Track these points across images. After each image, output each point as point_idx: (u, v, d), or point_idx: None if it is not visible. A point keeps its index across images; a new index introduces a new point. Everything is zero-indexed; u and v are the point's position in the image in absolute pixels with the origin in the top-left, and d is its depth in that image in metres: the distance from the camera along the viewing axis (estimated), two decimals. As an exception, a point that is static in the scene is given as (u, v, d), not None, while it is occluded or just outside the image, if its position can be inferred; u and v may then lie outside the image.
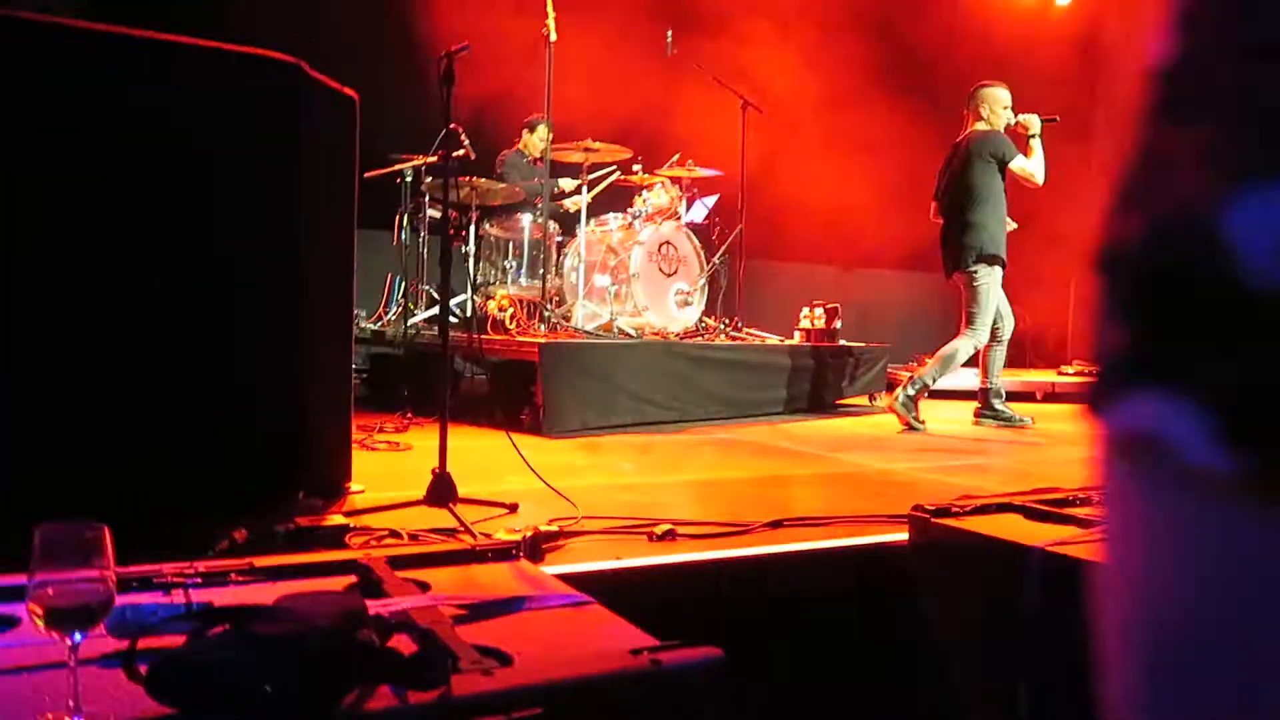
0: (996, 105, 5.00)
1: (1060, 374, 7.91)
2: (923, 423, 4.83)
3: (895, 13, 8.52)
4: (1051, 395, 7.13)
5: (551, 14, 4.81)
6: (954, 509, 2.15)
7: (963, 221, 4.91)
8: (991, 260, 4.89)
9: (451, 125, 4.03)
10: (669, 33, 5.65)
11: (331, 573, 1.53)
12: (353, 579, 1.51)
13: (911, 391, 4.89)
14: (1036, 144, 4.90)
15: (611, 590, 1.85)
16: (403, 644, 1.18)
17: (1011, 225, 5.09)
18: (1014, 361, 9.33)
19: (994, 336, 5.05)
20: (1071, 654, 1.76)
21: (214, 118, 2.29)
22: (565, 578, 1.81)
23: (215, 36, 2.27)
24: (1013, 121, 4.96)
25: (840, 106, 7.87)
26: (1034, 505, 2.17)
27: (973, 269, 4.87)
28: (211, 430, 2.29)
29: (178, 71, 2.25)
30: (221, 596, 1.39)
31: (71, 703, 0.96)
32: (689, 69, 5.96)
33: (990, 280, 4.90)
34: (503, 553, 1.70)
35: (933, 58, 8.89)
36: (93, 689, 1.02)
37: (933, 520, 2.11)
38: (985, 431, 5.06)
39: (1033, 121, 4.89)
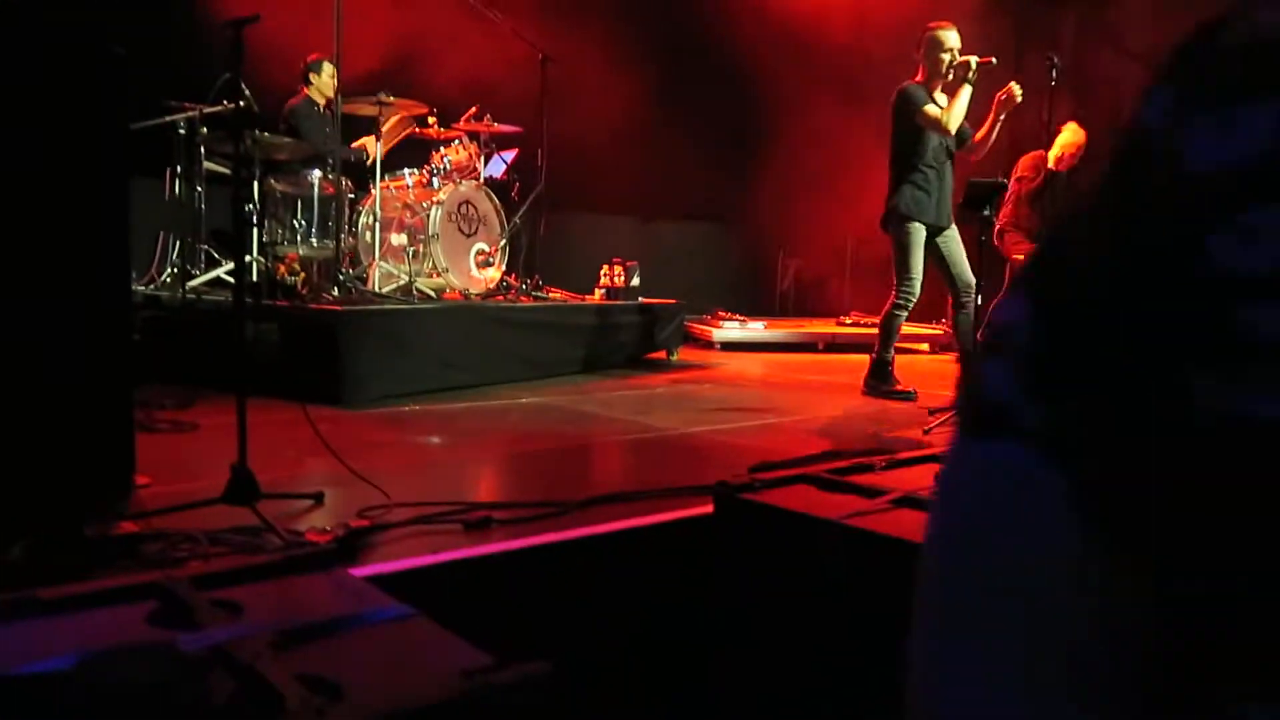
0: (934, 50, 4.60)
1: (840, 324, 8.44)
2: (908, 390, 4.66)
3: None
4: (832, 345, 7.62)
5: (340, -42, 4.53)
6: (755, 482, 2.29)
7: (891, 179, 4.69)
8: (903, 219, 4.62)
9: (228, 75, 3.77)
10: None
11: (130, 599, 1.43)
12: (154, 604, 1.43)
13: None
14: (964, 91, 4.50)
15: (432, 590, 1.85)
16: (220, 683, 1.14)
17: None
18: (797, 311, 9.91)
19: (902, 302, 4.70)
20: (867, 623, 1.93)
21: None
22: (384, 579, 1.79)
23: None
24: (949, 70, 4.56)
25: (638, 60, 7.94)
26: (826, 476, 2.34)
27: (891, 230, 4.67)
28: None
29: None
30: (3, 640, 1.28)
31: None
32: (486, 20, 5.81)
33: (907, 240, 4.61)
34: (317, 560, 1.65)
35: (729, 9, 9.10)
36: None
37: (736, 496, 2.24)
38: (765, 381, 5.34)
39: (968, 64, 4.49)
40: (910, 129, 4.59)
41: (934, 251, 4.69)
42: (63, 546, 1.86)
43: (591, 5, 7.70)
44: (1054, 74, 4.68)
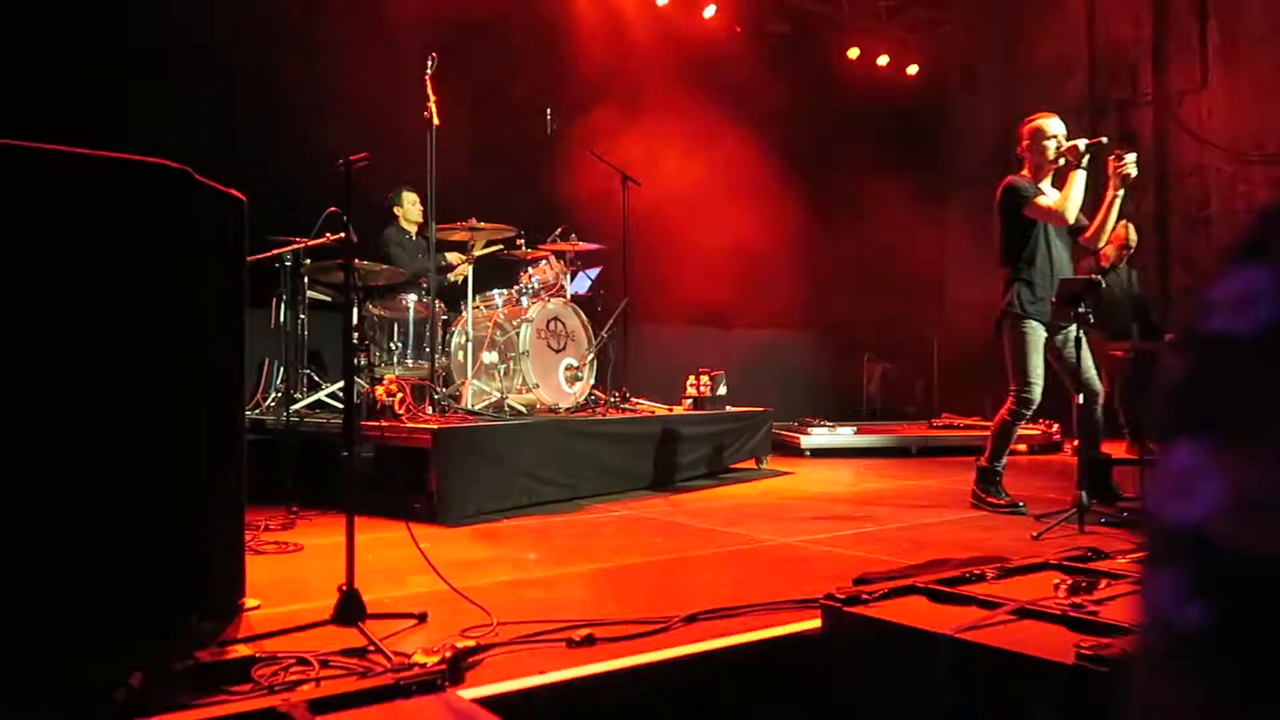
0: (1038, 139, 4.42)
1: (931, 428, 8.26)
2: (1016, 501, 4.36)
3: (762, 76, 8.91)
4: (925, 449, 7.44)
5: (432, 98, 4.81)
6: (864, 595, 2.22)
7: (1004, 277, 4.45)
8: (1019, 318, 4.34)
9: (333, 209, 3.98)
10: (549, 111, 5.73)
11: (249, 725, 1.45)
12: (273, 730, 1.44)
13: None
14: (1077, 176, 4.23)
15: (540, 709, 1.82)
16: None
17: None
18: (885, 415, 9.75)
19: (1023, 405, 4.34)
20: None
21: (99, 222, 2.20)
22: (491, 701, 1.77)
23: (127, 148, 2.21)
24: (1059, 156, 4.35)
25: (713, 173, 8.15)
26: (937, 587, 2.26)
27: (1007, 330, 4.39)
28: (85, 555, 2.14)
29: (64, 178, 2.15)
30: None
31: None
32: (568, 146, 6.07)
33: (1023, 341, 4.32)
34: (427, 683, 1.65)
35: (801, 118, 9.33)
36: None
37: (844, 609, 2.17)
38: (859, 488, 5.20)
39: (1077, 148, 4.27)
40: (1019, 223, 4.37)
41: (1052, 351, 4.39)
42: (180, 672, 1.90)
43: (665, 122, 7.97)
44: (1085, 161, 4.47)
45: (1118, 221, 4.49)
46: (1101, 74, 9.97)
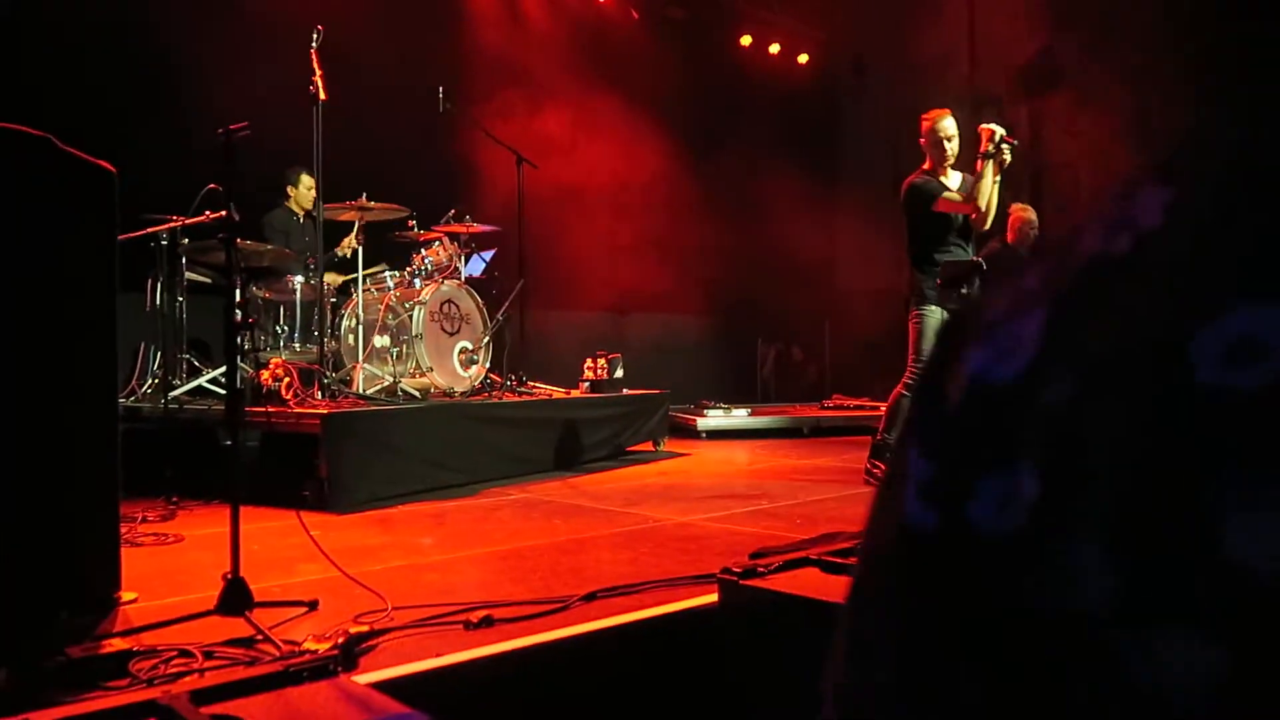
0: (933, 137, 4.64)
1: (822, 409, 8.47)
2: None
3: (657, 63, 8.93)
4: (817, 429, 7.62)
5: (319, 71, 4.65)
6: (759, 568, 2.26)
7: (912, 264, 4.66)
8: (923, 302, 4.56)
9: (213, 186, 3.81)
10: (440, 89, 5.60)
11: (128, 719, 1.38)
12: (153, 723, 1.37)
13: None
14: (987, 167, 4.43)
15: (438, 692, 1.79)
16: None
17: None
18: (779, 397, 9.95)
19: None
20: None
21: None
22: (387, 685, 1.74)
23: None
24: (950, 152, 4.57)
25: (608, 157, 8.14)
26: (829, 559, 2.31)
27: (913, 313, 4.60)
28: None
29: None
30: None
31: None
32: (462, 126, 5.95)
33: (924, 324, 4.54)
34: (319, 669, 1.60)
35: (696, 104, 9.40)
36: None
37: (740, 582, 2.20)
38: (754, 468, 5.30)
39: (993, 133, 4.42)
40: (924, 217, 4.57)
41: None
42: (50, 669, 1.79)
43: (561, 104, 7.91)
44: (1009, 156, 4.67)
45: (1005, 200, 4.68)
46: (980, 68, 10.35)
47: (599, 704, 2.07)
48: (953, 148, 4.59)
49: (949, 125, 4.62)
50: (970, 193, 4.47)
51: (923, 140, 4.67)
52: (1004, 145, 4.40)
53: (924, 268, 4.58)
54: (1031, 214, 6.69)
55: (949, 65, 10.51)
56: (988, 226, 4.65)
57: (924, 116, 4.69)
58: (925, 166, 4.67)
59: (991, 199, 4.49)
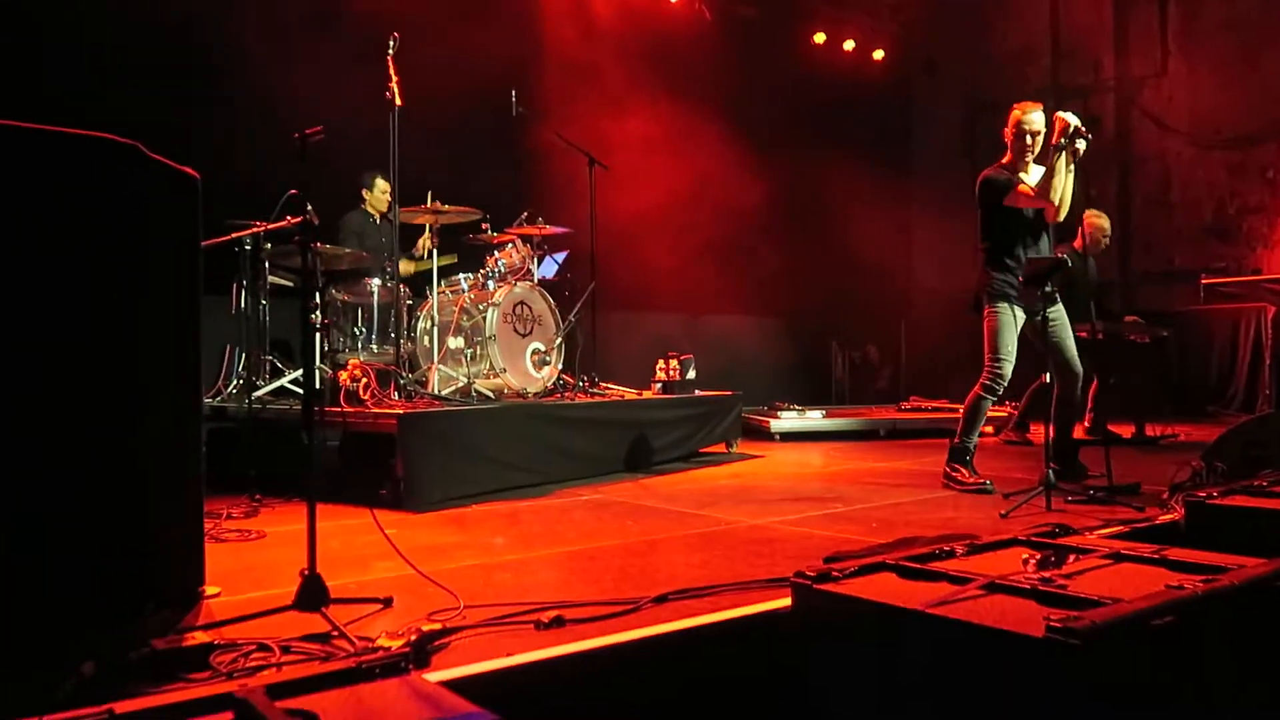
0: (1019, 130, 4.48)
1: (899, 411, 8.30)
2: (984, 481, 4.35)
3: (728, 62, 8.88)
4: (894, 431, 7.47)
5: (394, 78, 4.73)
6: (834, 573, 2.21)
7: (984, 261, 4.55)
8: (996, 299, 4.43)
9: (294, 191, 3.90)
10: (514, 93, 5.65)
11: (205, 712, 1.40)
12: (229, 717, 1.39)
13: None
14: (1060, 162, 4.28)
15: (507, 692, 1.79)
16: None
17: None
18: (854, 400, 9.79)
19: (991, 385, 4.43)
20: (957, 716, 1.82)
21: (40, 201, 2.11)
22: (458, 684, 1.74)
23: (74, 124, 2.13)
24: (1036, 150, 4.44)
25: (680, 158, 8.12)
26: (907, 564, 2.25)
27: (985, 311, 4.50)
28: (29, 544, 2.06)
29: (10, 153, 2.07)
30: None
31: None
32: (535, 129, 5.99)
33: (999, 321, 4.41)
34: (391, 666, 1.61)
35: (767, 103, 9.31)
36: None
37: (814, 587, 2.15)
38: (828, 470, 5.20)
39: (1068, 125, 4.27)
40: (997, 211, 4.45)
41: (1034, 332, 4.44)
42: (134, 661, 1.84)
43: (632, 106, 7.91)
44: (1083, 147, 4.46)
45: (1080, 199, 4.55)
46: (1064, 60, 10.05)
47: (669, 706, 2.04)
48: (1037, 143, 4.44)
49: (1036, 119, 4.46)
50: (1044, 186, 4.32)
51: (1008, 131, 4.52)
52: (1078, 137, 4.24)
53: (997, 264, 4.45)
54: (1104, 220, 6.48)
55: (1031, 59, 10.23)
56: (1061, 218, 4.46)
57: (1015, 106, 4.55)
58: (1004, 160, 4.54)
59: (1066, 192, 4.32)
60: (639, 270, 7.77)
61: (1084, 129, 4.28)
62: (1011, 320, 4.39)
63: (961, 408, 4.59)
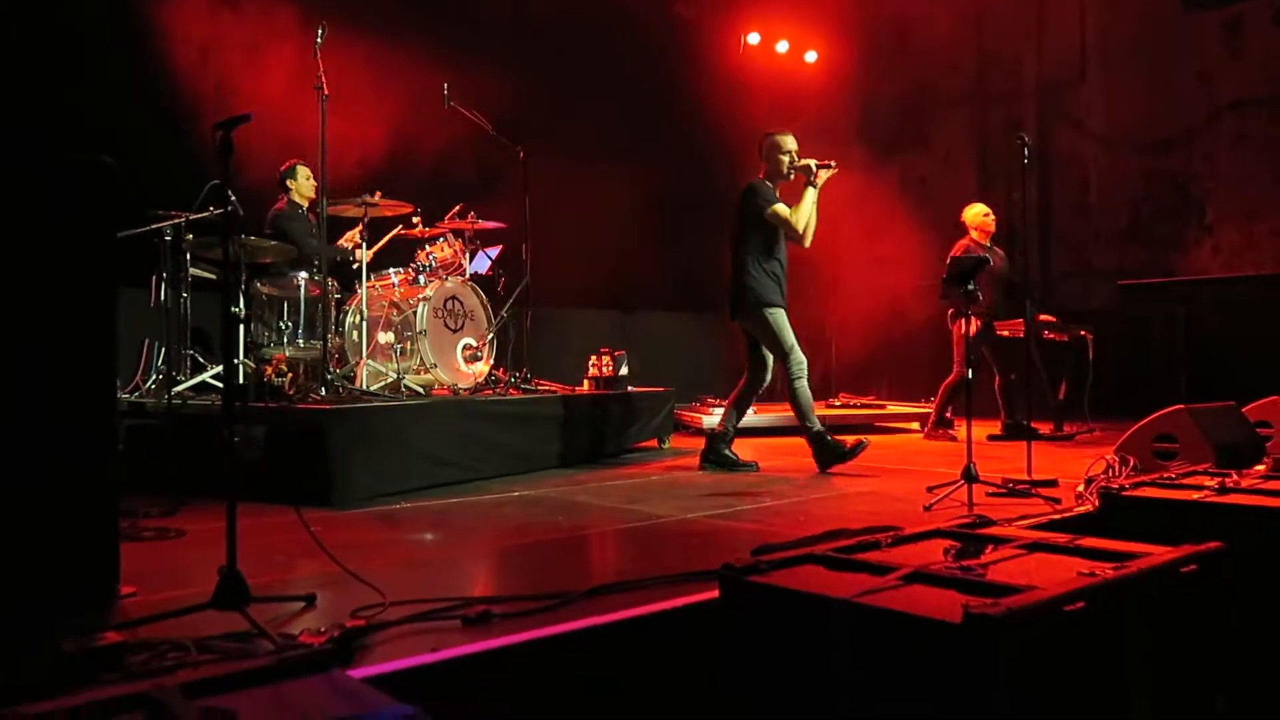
0: (773, 152, 5.06)
1: (829, 406, 8.42)
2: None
3: (662, 65, 8.90)
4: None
5: (322, 68, 4.64)
6: (761, 564, 2.23)
7: (745, 267, 5.03)
8: (768, 305, 5.01)
9: (216, 182, 3.79)
10: (445, 86, 5.59)
11: (117, 712, 1.36)
12: (140, 717, 1.35)
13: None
14: (808, 194, 4.93)
15: (433, 687, 1.77)
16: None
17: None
18: (784, 396, 9.89)
19: (800, 373, 5.04)
20: (881, 704, 1.86)
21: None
22: (382, 680, 1.72)
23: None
24: (790, 170, 5.01)
25: (615, 155, 8.11)
26: (833, 555, 2.29)
27: (755, 316, 5.06)
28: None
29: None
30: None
31: None
32: (466, 122, 5.93)
33: (777, 321, 5.02)
34: (313, 663, 1.58)
35: (701, 107, 9.35)
36: None
37: (743, 579, 2.17)
38: (758, 465, 5.28)
39: (807, 169, 4.94)
40: (760, 221, 4.95)
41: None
42: (42, 662, 1.77)
43: (568, 100, 7.89)
44: (1025, 153, 4.68)
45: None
46: (988, 66, 10.30)
47: (598, 700, 2.05)
48: (787, 164, 5.02)
49: (788, 141, 5.08)
50: (800, 215, 4.93)
51: (760, 152, 5.12)
52: (822, 169, 4.93)
53: (756, 269, 4.98)
54: (979, 206, 6.86)
55: (955, 64, 10.45)
56: (807, 245, 5.04)
57: (768, 130, 5.17)
58: (760, 175, 5.10)
59: (811, 221, 4.96)
60: (572, 266, 7.74)
61: (824, 160, 4.96)
62: (784, 319, 5.02)
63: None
